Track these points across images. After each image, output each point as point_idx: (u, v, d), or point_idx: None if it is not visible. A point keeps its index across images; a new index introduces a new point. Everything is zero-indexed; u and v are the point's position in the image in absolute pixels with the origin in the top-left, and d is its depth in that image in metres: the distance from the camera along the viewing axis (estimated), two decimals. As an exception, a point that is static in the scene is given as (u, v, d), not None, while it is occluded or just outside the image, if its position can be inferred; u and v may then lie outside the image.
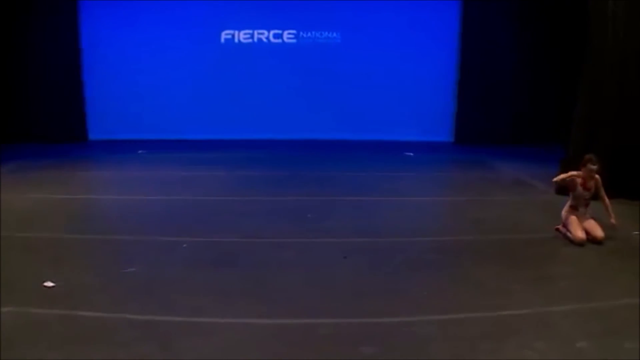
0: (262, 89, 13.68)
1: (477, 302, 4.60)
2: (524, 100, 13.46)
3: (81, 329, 4.04)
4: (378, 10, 13.53)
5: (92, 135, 13.70)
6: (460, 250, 6.02)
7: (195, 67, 13.73)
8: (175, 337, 3.98)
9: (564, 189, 6.57)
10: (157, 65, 13.57)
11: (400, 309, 4.45)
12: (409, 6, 13.56)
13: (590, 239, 6.06)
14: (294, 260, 5.62)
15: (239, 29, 13.81)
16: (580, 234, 6.04)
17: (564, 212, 6.32)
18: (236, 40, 13.86)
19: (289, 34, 13.90)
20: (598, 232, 6.09)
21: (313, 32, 13.89)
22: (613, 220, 6.19)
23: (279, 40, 13.90)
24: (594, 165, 6.17)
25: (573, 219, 6.19)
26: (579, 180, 6.23)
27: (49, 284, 4.76)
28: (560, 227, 6.35)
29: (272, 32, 13.86)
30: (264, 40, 13.88)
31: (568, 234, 6.17)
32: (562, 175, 6.37)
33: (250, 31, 13.83)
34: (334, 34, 13.88)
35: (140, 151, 12.20)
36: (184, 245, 5.95)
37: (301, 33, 13.90)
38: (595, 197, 6.33)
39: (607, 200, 6.30)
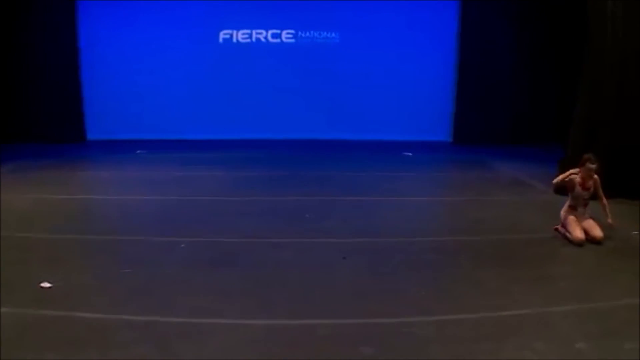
0: (260, 89, 13.66)
1: (476, 303, 4.60)
2: (522, 100, 13.45)
3: (79, 330, 4.03)
4: (376, 10, 13.51)
5: (91, 135, 13.67)
6: (459, 251, 6.01)
7: (193, 67, 13.71)
8: (174, 338, 3.97)
9: (562, 189, 6.56)
10: (155, 65, 13.54)
11: (399, 309, 4.45)
12: (407, 6, 13.54)
13: (590, 239, 6.05)
14: (293, 261, 5.61)
15: (237, 29, 13.78)
16: (579, 234, 6.04)
17: (562, 212, 6.31)
18: (234, 40, 13.83)
19: (288, 33, 13.88)
20: (597, 232, 6.08)
21: (311, 32, 13.87)
22: (610, 220, 6.19)
23: (278, 40, 13.89)
24: (592, 164, 6.16)
25: (572, 219, 6.19)
26: (577, 180, 6.23)
27: (46, 284, 4.75)
28: (559, 227, 6.35)
29: (270, 32, 13.84)
30: (262, 40, 13.86)
31: (567, 234, 6.16)
32: (561, 177, 6.37)
33: (249, 31, 13.80)
34: (333, 34, 13.87)
35: (138, 151, 12.19)
36: (182, 246, 5.94)
37: (299, 33, 13.88)
38: (594, 197, 6.33)
39: (604, 200, 6.29)
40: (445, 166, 11.78)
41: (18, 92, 13.04)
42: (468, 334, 4.05)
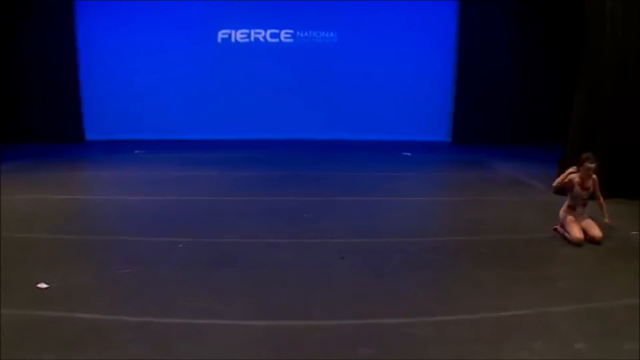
0: (258, 89, 13.63)
1: (476, 303, 4.59)
2: (522, 100, 13.44)
3: (78, 331, 4.02)
4: (375, 10, 13.49)
5: (89, 136, 13.64)
6: (458, 251, 6.01)
7: (192, 67, 13.68)
8: (173, 339, 3.96)
9: (562, 190, 6.55)
10: (153, 65, 13.51)
11: (398, 310, 4.44)
12: (406, 6, 13.52)
13: (589, 238, 6.05)
14: (292, 261, 5.60)
15: (236, 29, 13.76)
16: (578, 234, 6.03)
17: (561, 212, 6.31)
18: (233, 39, 13.80)
19: (286, 33, 13.86)
20: (596, 231, 6.07)
21: (310, 32, 13.85)
22: (607, 220, 6.19)
23: (276, 40, 13.86)
24: (591, 163, 6.15)
25: (571, 219, 6.18)
26: (576, 180, 6.22)
27: (43, 285, 4.73)
28: (558, 227, 6.34)
29: (269, 31, 13.81)
30: (261, 39, 13.84)
31: (566, 234, 6.16)
32: (560, 178, 6.35)
33: (247, 31, 13.78)
34: (331, 34, 13.84)
35: (136, 151, 12.17)
36: (180, 246, 5.93)
37: (298, 33, 13.85)
38: (593, 197, 6.32)
39: (601, 199, 6.29)
40: (444, 166, 11.77)
41: (16, 92, 13.01)
42: (467, 335, 4.05)
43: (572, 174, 6.23)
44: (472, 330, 4.12)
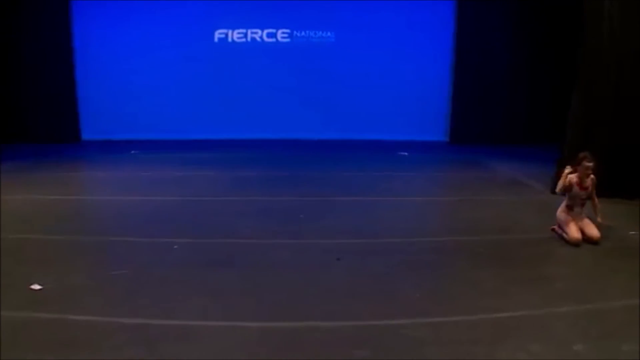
0: (255, 89, 13.63)
1: (473, 304, 4.56)
2: (519, 100, 13.46)
3: (72, 332, 3.98)
4: (372, 9, 13.49)
5: (85, 136, 13.63)
6: (456, 251, 5.98)
7: (188, 67, 13.67)
8: (169, 340, 3.92)
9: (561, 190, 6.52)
10: (150, 65, 13.50)
11: (395, 311, 4.41)
12: (403, 6, 13.53)
13: (586, 239, 6.02)
14: (289, 262, 5.57)
15: (233, 28, 13.75)
16: (576, 234, 6.01)
17: (559, 212, 6.28)
18: (229, 39, 13.79)
19: (283, 33, 13.85)
20: (594, 232, 6.05)
21: (307, 32, 13.85)
22: (600, 219, 6.17)
23: (273, 40, 13.85)
24: (589, 162, 6.12)
25: (569, 219, 6.16)
26: (575, 180, 6.19)
27: (36, 286, 4.69)
28: (556, 227, 6.32)
29: (265, 31, 13.80)
30: (258, 39, 13.83)
31: (564, 234, 6.13)
32: (561, 182, 6.30)
33: (244, 30, 13.77)
34: (328, 34, 13.85)
35: (133, 151, 12.14)
36: (175, 247, 5.89)
37: (295, 32, 13.85)
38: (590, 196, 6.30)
39: (596, 199, 6.27)
40: (442, 166, 11.75)
41: (12, 92, 12.99)
42: (464, 336, 4.02)
43: (570, 175, 6.21)
44: (469, 331, 4.09)
